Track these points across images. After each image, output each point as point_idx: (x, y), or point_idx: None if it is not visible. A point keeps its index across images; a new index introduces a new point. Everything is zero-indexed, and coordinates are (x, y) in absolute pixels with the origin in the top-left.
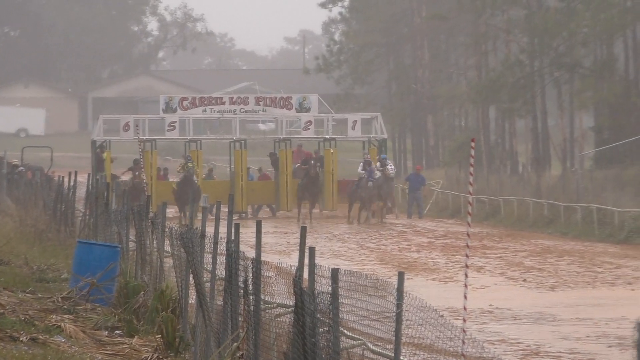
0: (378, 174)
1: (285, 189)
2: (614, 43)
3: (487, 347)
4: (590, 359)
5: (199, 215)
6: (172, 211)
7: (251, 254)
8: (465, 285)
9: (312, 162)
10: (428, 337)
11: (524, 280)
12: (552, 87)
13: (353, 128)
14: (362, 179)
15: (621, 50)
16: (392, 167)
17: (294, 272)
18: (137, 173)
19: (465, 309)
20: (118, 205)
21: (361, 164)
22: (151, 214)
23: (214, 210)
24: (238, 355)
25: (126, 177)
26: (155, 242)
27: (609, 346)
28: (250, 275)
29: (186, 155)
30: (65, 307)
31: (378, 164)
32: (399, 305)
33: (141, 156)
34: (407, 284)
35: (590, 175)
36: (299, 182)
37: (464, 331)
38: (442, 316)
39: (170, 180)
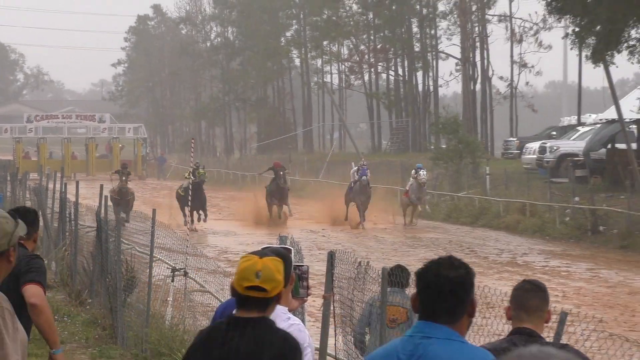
0: (365, 178)
1: (92, 165)
2: (267, 88)
3: (199, 248)
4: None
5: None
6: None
7: (74, 199)
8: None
9: (281, 173)
10: (168, 243)
11: (219, 214)
12: (235, 111)
13: (129, 132)
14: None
15: (272, 91)
16: (424, 172)
17: (96, 208)
18: (124, 178)
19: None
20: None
21: (354, 168)
22: (20, 177)
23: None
24: (66, 254)
25: (114, 181)
26: (21, 192)
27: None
28: (73, 210)
29: (194, 162)
30: None
31: (413, 171)
32: (153, 226)
33: (14, 147)
34: (157, 217)
35: (255, 158)
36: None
37: (187, 240)
38: (175, 232)
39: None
